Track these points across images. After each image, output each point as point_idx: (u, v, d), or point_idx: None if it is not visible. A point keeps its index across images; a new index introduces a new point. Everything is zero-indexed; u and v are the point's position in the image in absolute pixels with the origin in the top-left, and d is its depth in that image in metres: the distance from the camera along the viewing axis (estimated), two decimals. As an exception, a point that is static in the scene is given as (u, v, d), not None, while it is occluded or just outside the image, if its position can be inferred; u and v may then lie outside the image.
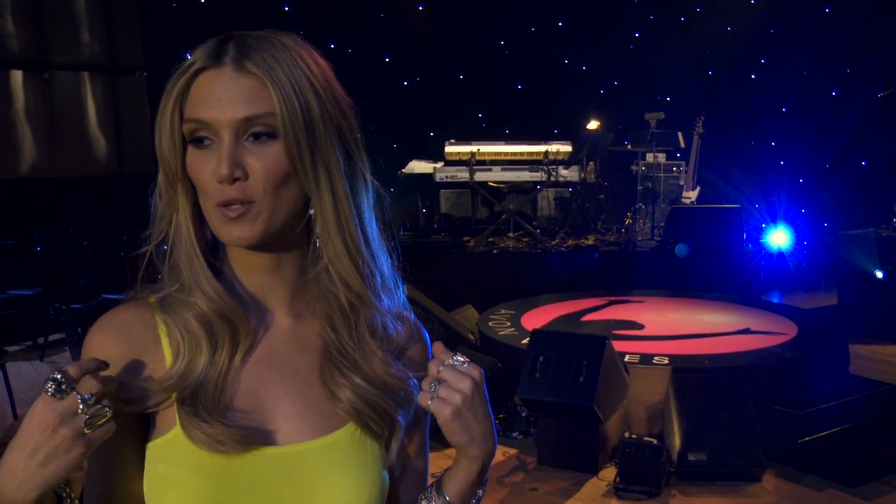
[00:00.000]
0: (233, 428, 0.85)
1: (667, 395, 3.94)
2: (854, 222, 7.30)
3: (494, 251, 7.43)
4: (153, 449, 0.88)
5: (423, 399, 0.89)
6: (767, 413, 3.96)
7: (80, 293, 6.40)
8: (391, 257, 0.99)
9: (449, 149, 8.19)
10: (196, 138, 0.87)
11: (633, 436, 3.83)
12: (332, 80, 0.91)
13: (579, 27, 9.54)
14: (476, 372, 0.90)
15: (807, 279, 7.65)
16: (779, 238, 7.83)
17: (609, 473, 3.82)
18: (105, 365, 0.81)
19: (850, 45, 8.69)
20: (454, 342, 4.71)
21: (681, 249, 6.84)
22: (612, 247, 7.59)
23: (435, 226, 8.50)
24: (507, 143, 8.31)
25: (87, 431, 0.77)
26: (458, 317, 5.26)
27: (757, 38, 9.27)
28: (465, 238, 7.89)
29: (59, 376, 0.77)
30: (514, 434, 4.33)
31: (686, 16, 9.53)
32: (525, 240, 7.81)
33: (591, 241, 7.75)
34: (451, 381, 0.88)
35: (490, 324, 5.21)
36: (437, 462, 0.97)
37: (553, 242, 7.64)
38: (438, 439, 1.00)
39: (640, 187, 7.81)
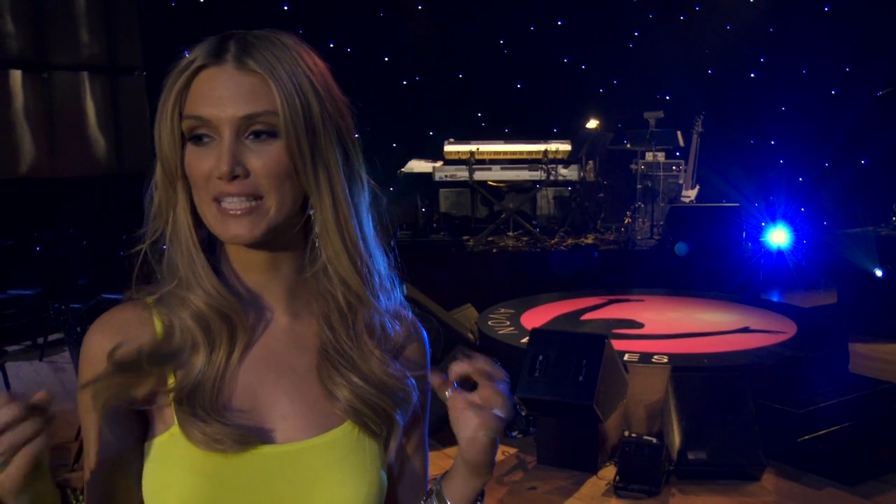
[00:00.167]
0: (231, 427, 0.85)
1: (666, 394, 3.95)
2: (853, 221, 7.30)
3: (494, 250, 7.43)
4: (151, 448, 0.88)
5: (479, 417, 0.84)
6: (767, 412, 3.96)
7: (80, 293, 6.40)
8: (388, 257, 0.99)
9: (448, 148, 8.18)
10: (195, 136, 0.87)
11: (633, 435, 3.84)
12: (330, 80, 0.91)
13: (579, 26, 9.54)
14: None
15: (806, 278, 7.66)
16: (778, 237, 7.83)
17: (609, 472, 3.82)
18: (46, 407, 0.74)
19: (849, 45, 8.70)
20: (453, 342, 4.71)
21: (680, 248, 6.84)
22: (611, 246, 7.59)
23: (434, 225, 8.50)
24: (506, 143, 8.30)
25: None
26: (457, 316, 5.27)
27: (756, 37, 9.28)
28: (465, 237, 7.89)
29: None
30: (514, 433, 4.33)
31: (685, 15, 9.54)
32: (524, 239, 7.81)
33: (590, 240, 7.75)
34: (503, 404, 0.84)
35: (489, 323, 5.21)
36: (437, 462, 0.97)
37: (552, 241, 7.64)
38: (438, 439, 1.01)
39: (639, 186, 7.81)
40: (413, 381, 0.97)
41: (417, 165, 8.48)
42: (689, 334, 4.93)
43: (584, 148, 8.15)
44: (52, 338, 6.36)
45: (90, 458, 0.89)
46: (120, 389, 0.85)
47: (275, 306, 0.94)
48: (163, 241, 0.91)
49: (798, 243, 7.99)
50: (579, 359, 3.79)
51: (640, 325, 5.15)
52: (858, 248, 6.53)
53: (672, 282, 6.53)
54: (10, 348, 6.43)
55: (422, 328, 1.04)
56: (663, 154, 8.21)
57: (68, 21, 7.81)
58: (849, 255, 6.61)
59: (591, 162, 8.25)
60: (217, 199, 0.86)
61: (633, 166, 8.00)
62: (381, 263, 0.97)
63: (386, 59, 9.47)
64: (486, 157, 8.18)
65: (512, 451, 4.17)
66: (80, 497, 0.82)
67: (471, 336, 5.06)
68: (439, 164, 8.30)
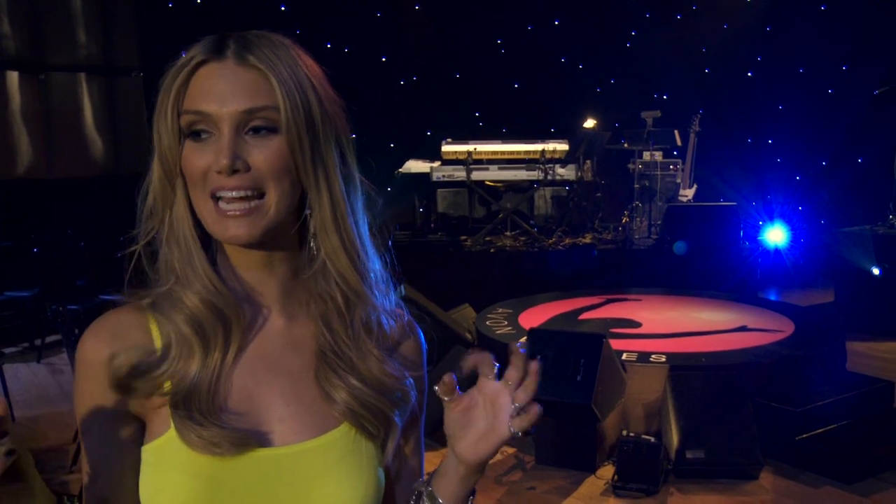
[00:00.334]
0: (227, 430, 0.85)
1: (664, 393, 3.95)
2: (851, 219, 7.32)
3: (492, 250, 7.43)
4: (148, 452, 0.88)
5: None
6: (764, 410, 3.96)
7: (78, 294, 6.39)
8: (383, 259, 0.99)
9: (445, 148, 8.18)
10: (194, 132, 0.86)
11: (631, 434, 3.84)
12: (326, 82, 0.92)
13: (575, 26, 9.55)
14: None
15: (804, 276, 7.67)
16: (776, 235, 7.84)
17: (607, 472, 3.83)
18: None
19: (846, 44, 8.72)
20: (451, 342, 4.71)
21: (679, 247, 6.85)
22: (609, 245, 7.59)
23: (432, 225, 8.49)
24: (503, 142, 8.30)
25: None
26: (455, 316, 5.26)
27: (753, 36, 9.29)
28: (463, 237, 7.89)
29: None
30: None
31: (682, 14, 9.55)
32: (522, 239, 7.81)
33: (588, 240, 7.76)
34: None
35: (487, 323, 5.21)
36: (434, 461, 0.97)
37: (550, 241, 7.64)
38: (436, 438, 1.01)
39: (636, 185, 7.81)
40: (411, 381, 0.97)
41: (415, 165, 8.48)
42: (687, 333, 4.93)
43: (581, 147, 8.15)
44: (49, 339, 6.35)
45: (87, 461, 0.89)
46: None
47: (270, 307, 0.94)
48: (157, 242, 0.91)
49: (795, 242, 8.00)
50: (577, 358, 3.79)
51: (638, 325, 5.15)
52: (856, 247, 6.54)
53: (670, 281, 6.53)
54: (8, 350, 6.43)
55: (418, 327, 1.04)
56: (661, 153, 8.22)
57: (65, 22, 7.79)
58: (846, 254, 6.62)
59: (588, 161, 8.25)
60: (215, 196, 0.86)
61: (630, 166, 8.01)
62: (376, 263, 0.97)
63: (383, 59, 9.47)
64: (483, 157, 8.18)
65: (510, 450, 4.17)
66: (77, 501, 0.82)
67: (468, 336, 5.06)
68: (437, 164, 8.30)
